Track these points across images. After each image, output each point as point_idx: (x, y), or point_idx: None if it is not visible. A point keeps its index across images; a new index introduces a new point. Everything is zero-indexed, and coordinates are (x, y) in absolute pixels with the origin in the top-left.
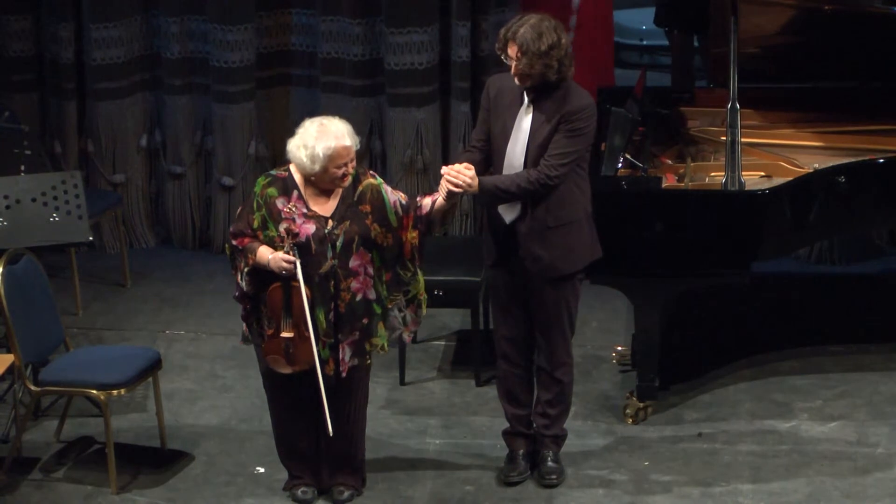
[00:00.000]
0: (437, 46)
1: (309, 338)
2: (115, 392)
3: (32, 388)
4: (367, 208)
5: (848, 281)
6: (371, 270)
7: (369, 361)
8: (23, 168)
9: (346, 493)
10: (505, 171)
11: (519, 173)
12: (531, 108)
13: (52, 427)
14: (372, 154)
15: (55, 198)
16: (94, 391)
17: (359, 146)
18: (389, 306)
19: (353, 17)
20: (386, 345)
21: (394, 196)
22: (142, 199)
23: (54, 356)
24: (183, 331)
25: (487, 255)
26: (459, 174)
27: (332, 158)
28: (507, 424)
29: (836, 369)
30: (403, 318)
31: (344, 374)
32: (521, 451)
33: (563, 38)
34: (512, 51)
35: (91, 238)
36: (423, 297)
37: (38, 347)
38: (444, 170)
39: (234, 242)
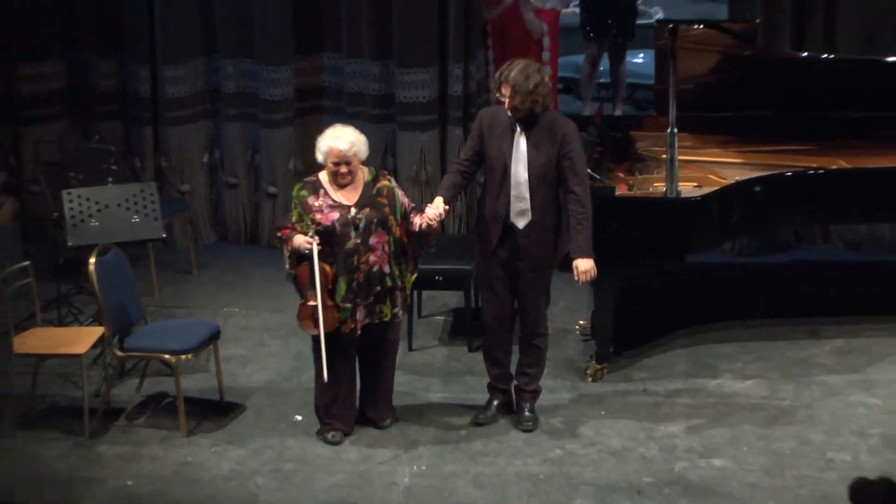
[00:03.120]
0: (437, 83)
1: (331, 307)
2: (183, 357)
3: (118, 353)
4: (384, 201)
5: (763, 269)
6: (388, 249)
7: (379, 320)
8: (110, 180)
9: (388, 420)
10: (512, 185)
11: (576, 219)
12: (523, 135)
13: (134, 384)
14: (386, 168)
15: (135, 203)
16: (168, 356)
17: (360, 154)
18: (400, 284)
19: (372, 60)
20: (390, 314)
21: (403, 199)
22: (204, 204)
23: (136, 329)
24: (237, 308)
25: (481, 248)
26: (434, 219)
27: (328, 155)
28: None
29: (753, 339)
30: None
31: (359, 332)
32: (495, 402)
33: (545, 77)
34: (506, 90)
35: (164, 235)
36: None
37: (122, 321)
38: (427, 210)
39: (278, 234)
